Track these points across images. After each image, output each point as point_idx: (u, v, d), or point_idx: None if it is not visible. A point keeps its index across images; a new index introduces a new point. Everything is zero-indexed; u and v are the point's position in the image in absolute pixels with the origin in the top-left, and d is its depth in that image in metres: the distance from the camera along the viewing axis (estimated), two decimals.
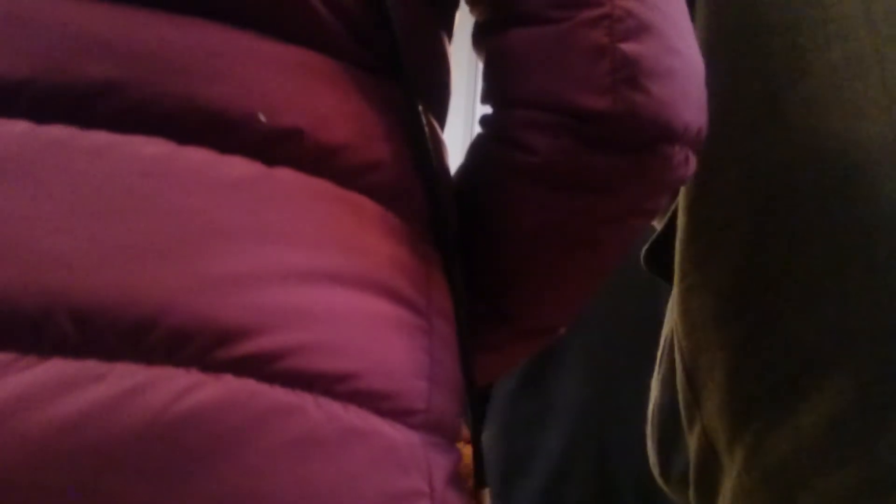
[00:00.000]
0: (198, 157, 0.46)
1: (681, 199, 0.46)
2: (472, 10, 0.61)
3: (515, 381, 1.26)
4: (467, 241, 0.60)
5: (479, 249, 0.61)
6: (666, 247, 0.58)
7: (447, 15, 0.62)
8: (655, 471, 0.56)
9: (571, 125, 0.53)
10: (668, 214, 0.55)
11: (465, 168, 0.62)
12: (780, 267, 0.42)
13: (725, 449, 0.44)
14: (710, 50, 0.46)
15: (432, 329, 0.50)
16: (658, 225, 0.63)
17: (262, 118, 0.48)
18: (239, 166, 0.47)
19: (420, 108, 0.55)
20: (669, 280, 0.58)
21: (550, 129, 0.54)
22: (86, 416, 0.39)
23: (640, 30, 0.53)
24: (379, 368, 0.46)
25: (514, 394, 1.27)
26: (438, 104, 0.61)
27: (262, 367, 0.42)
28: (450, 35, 0.63)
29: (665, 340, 0.55)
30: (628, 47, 0.52)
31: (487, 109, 0.61)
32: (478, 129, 0.62)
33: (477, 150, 0.61)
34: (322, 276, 0.46)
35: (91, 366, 0.40)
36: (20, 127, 0.45)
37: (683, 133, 0.55)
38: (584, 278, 0.63)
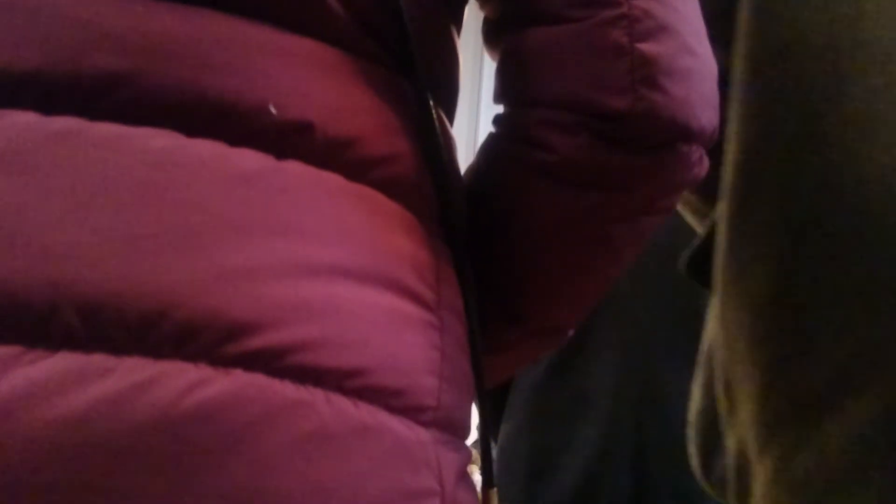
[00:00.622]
0: (207, 149, 0.45)
1: (723, 209, 0.46)
2: (483, 7, 0.60)
3: (542, 371, 1.21)
4: (479, 240, 0.60)
5: (491, 248, 0.60)
6: (706, 254, 0.58)
7: (457, 9, 0.61)
8: (697, 473, 0.57)
9: (590, 124, 0.53)
10: (708, 224, 0.55)
11: (478, 167, 0.62)
12: (814, 289, 0.42)
13: (756, 459, 0.44)
14: (754, 68, 0.46)
15: (443, 325, 0.49)
16: (698, 229, 0.63)
17: (273, 110, 0.47)
18: (248, 159, 0.46)
19: (431, 102, 0.54)
20: (708, 286, 0.59)
21: (569, 128, 0.54)
22: (93, 411, 0.38)
23: (658, 30, 0.53)
24: (389, 364, 0.45)
25: (541, 385, 1.21)
26: (448, 99, 0.61)
27: (272, 362, 0.42)
28: (458, 30, 0.62)
29: (705, 346, 0.55)
30: (647, 47, 0.52)
31: (494, 108, 0.61)
32: (482, 128, 0.62)
33: (490, 149, 0.61)
34: (331, 271, 0.45)
35: (98, 360, 0.40)
36: (27, 118, 0.45)
37: (700, 132, 0.55)
38: (595, 277, 0.63)
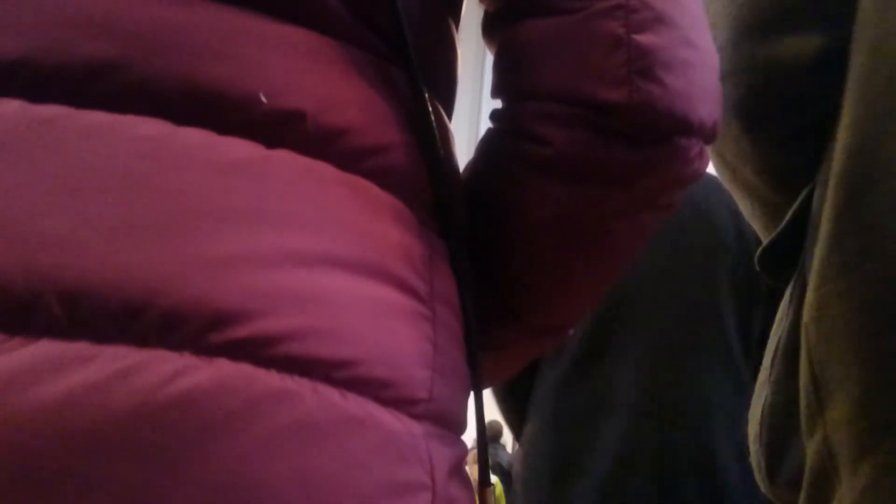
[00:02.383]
0: (196, 137, 0.45)
1: (829, 199, 0.44)
2: (482, 0, 0.60)
3: (564, 373, 1.20)
4: (476, 236, 0.59)
5: (489, 244, 0.59)
6: (781, 250, 0.56)
7: (454, 1, 0.61)
8: (760, 472, 0.54)
9: (586, 117, 0.52)
10: (790, 216, 0.54)
11: (476, 163, 0.61)
12: None
13: (849, 463, 0.42)
14: (878, 49, 0.45)
15: (435, 317, 0.48)
16: (764, 229, 0.60)
17: (264, 99, 0.47)
18: (238, 148, 0.46)
19: (426, 93, 0.54)
20: (780, 283, 0.57)
21: (565, 120, 0.53)
22: (74, 399, 0.38)
23: (656, 21, 0.52)
24: (379, 355, 0.44)
25: (563, 386, 1.20)
26: (445, 91, 0.60)
27: (258, 352, 0.41)
28: (457, 22, 0.62)
29: (779, 341, 0.53)
30: (644, 38, 0.51)
31: (495, 104, 0.60)
32: (483, 125, 0.61)
33: (488, 144, 0.60)
34: (322, 260, 0.45)
35: (81, 348, 0.39)
36: (14, 106, 0.44)
37: (699, 126, 0.54)
38: (594, 274, 0.61)
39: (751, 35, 0.55)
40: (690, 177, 0.56)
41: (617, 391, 1.16)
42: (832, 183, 0.45)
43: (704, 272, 1.17)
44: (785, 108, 0.54)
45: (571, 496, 1.15)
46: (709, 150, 0.57)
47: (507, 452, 7.24)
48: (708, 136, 0.55)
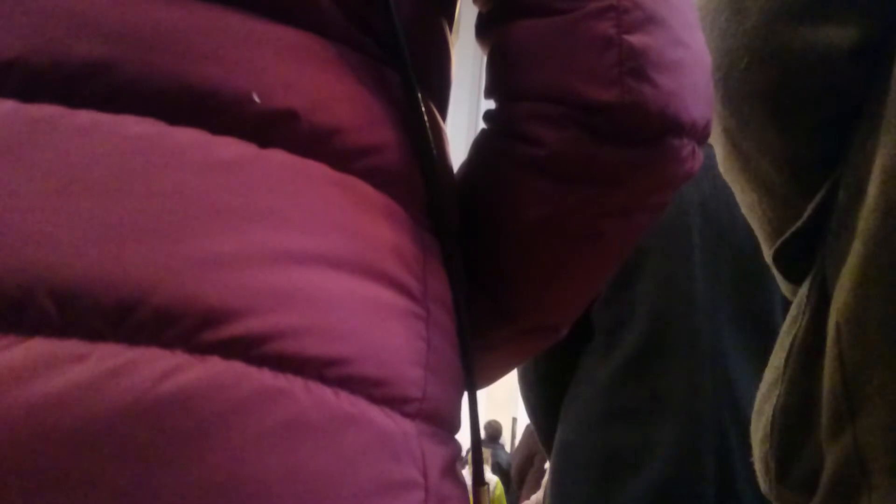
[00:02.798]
0: (188, 137, 0.45)
1: (877, 196, 0.43)
2: (475, 1, 0.60)
3: (614, 371, 1.18)
4: (470, 236, 0.59)
5: (482, 244, 0.60)
6: (797, 246, 0.55)
7: (448, 1, 0.61)
8: (767, 474, 0.54)
9: (578, 117, 0.53)
10: (810, 211, 0.53)
11: (469, 164, 0.61)
12: None
13: (884, 469, 0.42)
14: None
15: (429, 316, 0.49)
16: (769, 225, 0.60)
17: (256, 99, 0.47)
18: (231, 147, 0.46)
19: (419, 93, 0.54)
20: (795, 281, 0.56)
21: (557, 121, 0.53)
22: (65, 397, 0.38)
23: (647, 21, 0.52)
24: (372, 354, 0.44)
25: (614, 385, 1.18)
26: (439, 91, 0.60)
27: (250, 350, 0.41)
28: (450, 23, 0.62)
29: (793, 341, 0.52)
30: (635, 39, 0.52)
31: (491, 104, 0.60)
32: (481, 125, 0.61)
33: (481, 145, 0.60)
34: (314, 259, 0.45)
35: (73, 346, 0.39)
36: (7, 106, 0.44)
37: (691, 126, 0.54)
38: (587, 274, 0.62)
39: (785, 22, 0.53)
40: (682, 177, 0.56)
41: (673, 394, 1.15)
42: (882, 178, 0.44)
43: (761, 280, 1.17)
44: (816, 97, 0.53)
45: (624, 495, 1.13)
46: (704, 146, 0.57)
47: (506, 452, 7.25)
48: (700, 136, 0.55)
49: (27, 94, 0.45)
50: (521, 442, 5.87)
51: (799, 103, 0.53)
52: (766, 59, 0.53)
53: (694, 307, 1.17)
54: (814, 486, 0.47)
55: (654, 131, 0.53)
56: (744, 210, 0.65)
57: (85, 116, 0.44)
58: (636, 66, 0.51)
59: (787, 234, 0.55)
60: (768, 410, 0.53)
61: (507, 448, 7.64)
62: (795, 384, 0.50)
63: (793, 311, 0.54)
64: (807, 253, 0.54)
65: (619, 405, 1.17)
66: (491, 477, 6.45)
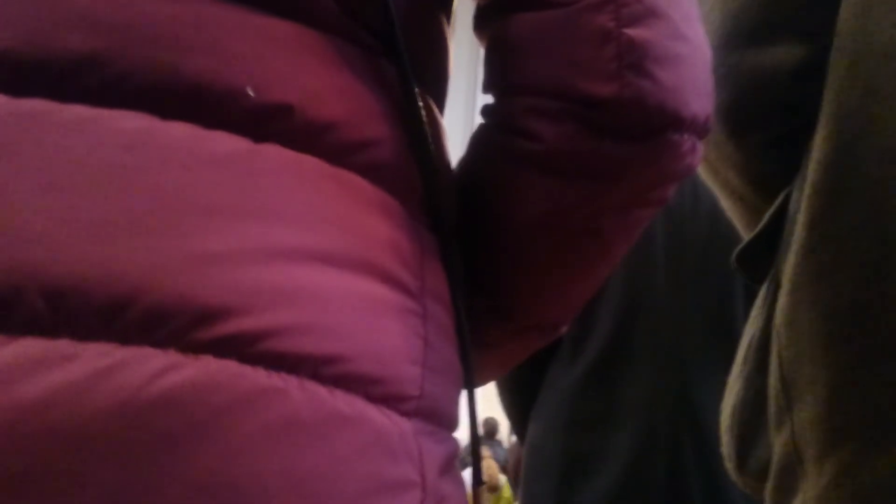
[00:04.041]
0: (181, 131, 0.44)
1: (803, 209, 0.45)
2: None
3: (579, 376, 1.20)
4: (468, 234, 0.58)
5: (481, 242, 0.59)
6: (758, 249, 0.57)
7: None
8: (731, 462, 0.57)
9: (577, 112, 0.52)
10: (767, 218, 0.54)
11: (467, 159, 0.61)
12: None
13: (814, 460, 0.44)
14: (854, 66, 0.46)
15: (426, 313, 0.48)
16: (746, 228, 0.61)
17: (251, 93, 0.46)
18: (225, 142, 0.45)
19: (416, 88, 0.53)
20: (756, 282, 0.58)
21: (555, 115, 0.52)
22: (55, 396, 0.37)
23: (647, 14, 0.51)
24: (369, 352, 0.44)
25: (578, 390, 1.20)
26: (436, 85, 0.60)
27: (245, 349, 0.40)
28: (448, 17, 0.61)
29: (751, 339, 0.54)
30: (634, 32, 0.51)
31: (489, 99, 0.59)
32: (478, 120, 0.61)
33: (479, 140, 0.59)
34: (310, 256, 0.44)
35: (63, 345, 0.38)
36: None
37: (691, 121, 0.53)
38: (586, 271, 0.61)
39: (736, 44, 0.56)
40: (683, 172, 0.56)
41: (631, 401, 1.16)
42: (807, 192, 0.46)
43: (722, 285, 1.17)
44: (767, 115, 0.56)
45: (579, 498, 1.15)
46: (701, 145, 0.57)
47: (504, 449, 7.26)
48: (701, 130, 0.54)
49: (17, 88, 0.44)
50: (516, 439, 5.88)
51: (751, 120, 0.56)
52: (721, 80, 0.56)
53: (656, 315, 1.19)
54: (767, 473, 0.49)
55: (653, 126, 0.52)
56: (728, 213, 0.67)
57: (76, 111, 0.44)
58: (635, 60, 0.51)
59: (747, 240, 0.57)
60: (731, 403, 0.55)
61: (505, 445, 7.65)
62: (751, 380, 0.52)
63: (753, 310, 0.56)
64: (766, 257, 0.56)
65: (580, 412, 1.20)
66: (500, 477, 6.46)
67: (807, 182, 0.47)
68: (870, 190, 0.42)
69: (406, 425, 0.44)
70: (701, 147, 0.56)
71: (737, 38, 0.55)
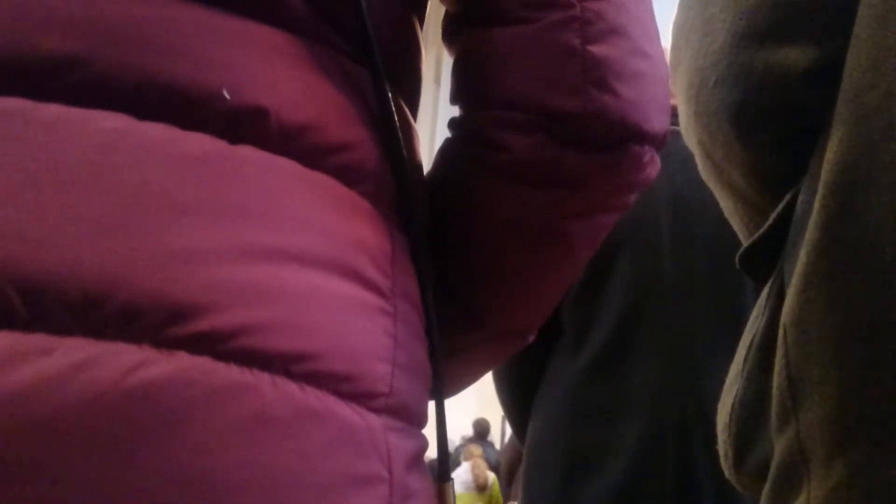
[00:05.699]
0: (157, 132, 0.45)
1: (816, 209, 0.46)
2: (442, 1, 0.61)
3: (582, 370, 1.18)
4: (438, 241, 0.60)
5: (450, 249, 0.61)
6: (763, 249, 0.58)
7: (419, 0, 0.62)
8: (727, 461, 0.57)
9: (544, 124, 0.54)
10: (773, 218, 0.55)
11: (436, 170, 0.62)
12: None
13: (822, 460, 0.44)
14: (875, 64, 0.46)
15: (396, 312, 0.49)
16: (746, 231, 0.62)
17: (227, 95, 0.47)
18: (200, 143, 0.46)
19: (390, 91, 0.54)
20: (760, 282, 0.59)
21: (523, 127, 0.55)
22: (31, 390, 0.38)
23: (610, 32, 0.54)
24: (339, 350, 0.45)
25: (582, 384, 1.18)
26: (409, 89, 0.61)
27: (217, 345, 0.41)
28: (421, 22, 0.63)
29: (753, 338, 0.54)
30: (598, 49, 0.54)
31: (453, 111, 0.61)
32: (441, 126, 0.62)
33: (447, 151, 0.61)
34: (282, 255, 0.45)
35: (39, 339, 0.39)
36: None
37: (651, 134, 0.56)
38: (553, 275, 0.63)
39: (748, 43, 0.56)
40: (643, 181, 0.59)
41: (638, 393, 1.15)
42: (821, 193, 0.47)
43: (732, 276, 1.16)
44: (776, 115, 0.56)
45: (585, 494, 1.14)
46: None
47: (496, 450, 7.25)
48: (659, 143, 0.58)
49: None
50: (509, 440, 5.87)
51: (760, 120, 0.56)
52: (730, 79, 0.56)
53: (663, 304, 1.17)
54: (765, 473, 0.49)
55: (616, 138, 0.55)
56: (726, 214, 0.68)
57: (53, 110, 0.44)
58: (599, 76, 0.53)
59: (752, 240, 0.58)
60: (729, 402, 0.55)
61: (497, 446, 7.65)
62: (752, 380, 0.52)
63: (755, 310, 0.57)
64: (770, 257, 0.56)
65: (585, 405, 1.18)
66: (489, 475, 6.46)
67: (820, 182, 0.47)
68: (888, 191, 0.43)
69: (375, 421, 0.45)
70: (658, 159, 0.59)
71: (749, 38, 0.55)
